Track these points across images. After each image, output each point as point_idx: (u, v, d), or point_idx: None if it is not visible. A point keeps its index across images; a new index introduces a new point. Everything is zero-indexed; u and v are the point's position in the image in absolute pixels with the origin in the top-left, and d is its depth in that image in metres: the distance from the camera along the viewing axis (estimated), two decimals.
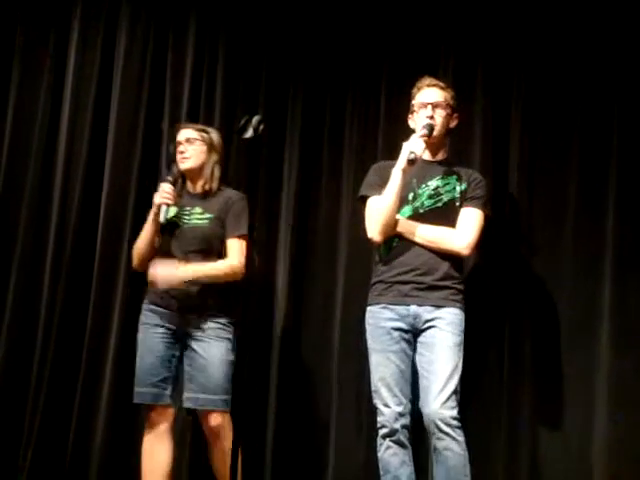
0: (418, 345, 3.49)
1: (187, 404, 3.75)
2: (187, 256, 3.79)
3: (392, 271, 3.54)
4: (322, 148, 4.51)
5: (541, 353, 4.04)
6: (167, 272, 3.69)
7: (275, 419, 4.35)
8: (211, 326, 3.76)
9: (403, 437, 3.47)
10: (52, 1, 4.83)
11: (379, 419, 3.48)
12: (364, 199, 3.63)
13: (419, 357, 3.48)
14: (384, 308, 3.51)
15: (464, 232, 3.52)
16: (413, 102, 3.66)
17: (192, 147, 3.89)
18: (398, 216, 3.52)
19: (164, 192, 3.79)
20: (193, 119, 4.52)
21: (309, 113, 4.54)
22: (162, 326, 3.79)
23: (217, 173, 3.92)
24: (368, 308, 3.58)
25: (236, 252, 3.78)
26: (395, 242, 3.54)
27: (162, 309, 3.80)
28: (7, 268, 4.65)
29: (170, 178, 3.86)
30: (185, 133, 3.93)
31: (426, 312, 3.47)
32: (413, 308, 3.47)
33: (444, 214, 3.53)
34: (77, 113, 4.59)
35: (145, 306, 3.86)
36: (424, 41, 4.45)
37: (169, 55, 4.68)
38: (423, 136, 3.47)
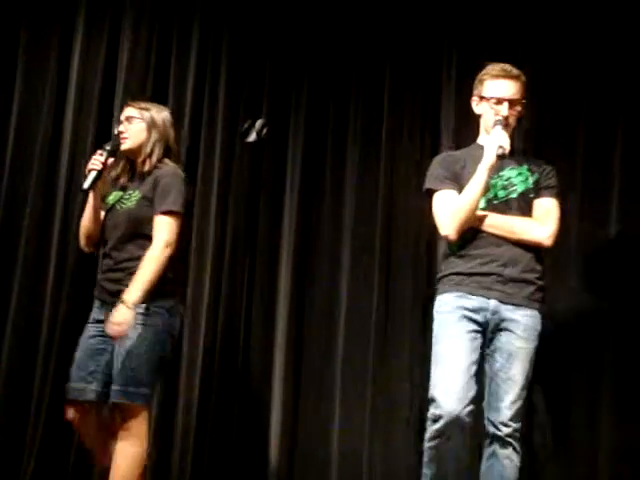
0: (492, 347, 3.33)
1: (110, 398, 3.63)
2: (116, 243, 3.67)
3: (470, 263, 3.36)
4: (325, 151, 4.54)
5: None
6: (118, 322, 3.53)
7: (281, 423, 4.36)
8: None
9: (464, 432, 3.28)
10: (57, 1, 4.85)
11: (436, 411, 3.25)
12: (431, 192, 3.45)
13: (492, 361, 3.32)
14: (461, 297, 3.32)
15: (545, 222, 3.38)
16: (483, 90, 3.45)
17: (131, 126, 3.76)
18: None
19: (94, 159, 3.67)
20: (196, 123, 4.59)
21: (312, 116, 4.56)
22: (98, 320, 3.68)
23: (157, 152, 3.75)
24: (440, 297, 3.39)
25: (158, 232, 3.62)
26: (468, 234, 3.37)
27: (98, 302, 3.71)
28: (11, 269, 4.67)
29: (108, 148, 3.70)
30: (126, 112, 3.81)
31: (507, 311, 3.29)
32: (493, 303, 3.30)
33: (518, 205, 3.39)
34: (80, 116, 4.61)
35: (94, 301, 3.78)
36: (426, 38, 4.48)
37: (172, 58, 4.71)
38: (502, 155, 3.29)
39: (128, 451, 3.52)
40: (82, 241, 3.80)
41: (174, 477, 4.38)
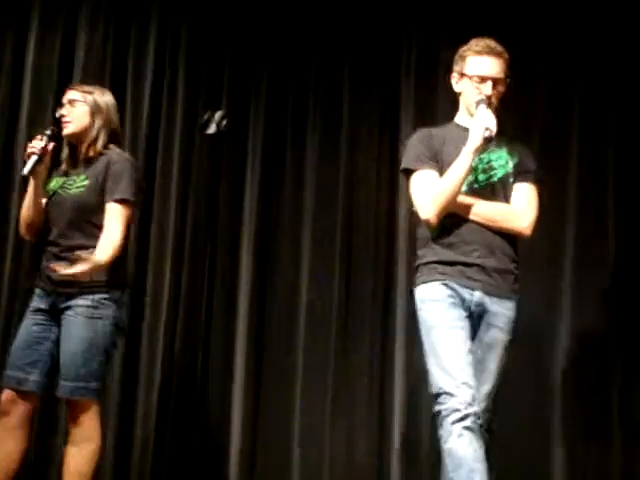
0: (474, 338, 3.23)
1: (57, 392, 3.56)
2: (62, 230, 3.59)
3: (452, 251, 3.23)
4: (285, 142, 4.54)
5: None
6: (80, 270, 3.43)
7: (242, 411, 4.34)
8: (80, 304, 3.53)
9: (477, 425, 3.12)
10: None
11: (448, 404, 3.10)
12: (410, 172, 3.30)
13: (472, 351, 3.22)
14: (446, 285, 3.20)
15: (525, 210, 3.29)
16: (465, 66, 3.30)
17: (74, 110, 3.67)
18: None
19: (33, 143, 3.59)
20: (155, 115, 4.56)
21: (272, 107, 4.57)
22: (39, 309, 3.61)
23: (102, 137, 3.67)
24: (424, 286, 3.25)
25: (113, 219, 3.57)
26: (449, 220, 3.24)
27: (40, 290, 3.64)
28: None
29: (48, 132, 3.61)
30: (69, 95, 3.72)
31: (492, 304, 3.20)
32: (478, 295, 3.20)
33: (499, 190, 3.28)
34: (37, 111, 4.57)
35: (34, 290, 3.71)
36: (385, 30, 4.46)
37: (130, 51, 4.67)
38: (489, 137, 3.15)
39: (82, 446, 3.50)
40: (22, 229, 3.73)
41: (135, 456, 4.38)
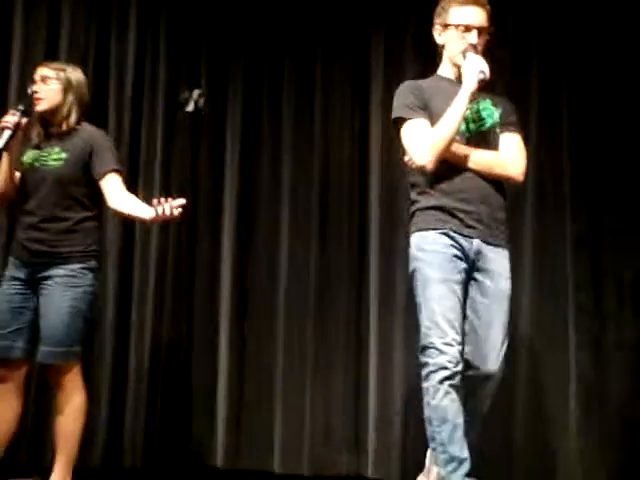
0: (474, 290, 3.16)
1: (38, 357, 3.59)
2: (40, 202, 3.62)
3: (448, 197, 3.15)
4: (262, 118, 4.57)
5: None
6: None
7: (227, 379, 4.39)
8: (59, 273, 3.59)
9: (460, 382, 3.10)
10: None
11: (437, 360, 3.06)
12: (402, 121, 3.21)
13: (472, 301, 3.15)
14: (445, 234, 3.12)
15: (517, 158, 3.25)
16: (449, 17, 3.24)
17: (47, 87, 3.69)
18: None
19: (5, 118, 3.58)
20: (137, 95, 4.58)
21: (249, 85, 4.59)
22: (16, 278, 3.64)
23: (75, 113, 3.71)
24: (420, 233, 3.18)
25: (118, 186, 3.65)
26: (443, 168, 3.15)
27: (17, 260, 3.67)
28: None
29: (21, 107, 3.62)
30: (41, 72, 3.73)
31: (489, 251, 3.14)
32: (476, 243, 3.13)
33: (488, 139, 3.22)
34: (22, 90, 4.38)
35: (9, 259, 3.73)
36: (355, 8, 4.48)
37: (112, 32, 4.67)
38: (483, 80, 3.08)
39: (70, 404, 3.56)
40: None
41: (127, 422, 4.42)
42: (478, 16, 3.18)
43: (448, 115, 3.10)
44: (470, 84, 3.08)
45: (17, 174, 3.67)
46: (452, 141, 3.11)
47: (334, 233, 4.46)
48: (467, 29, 3.17)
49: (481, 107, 3.24)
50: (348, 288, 4.42)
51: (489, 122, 3.24)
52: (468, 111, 3.16)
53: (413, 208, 3.22)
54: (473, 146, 3.17)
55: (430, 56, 3.99)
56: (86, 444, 3.84)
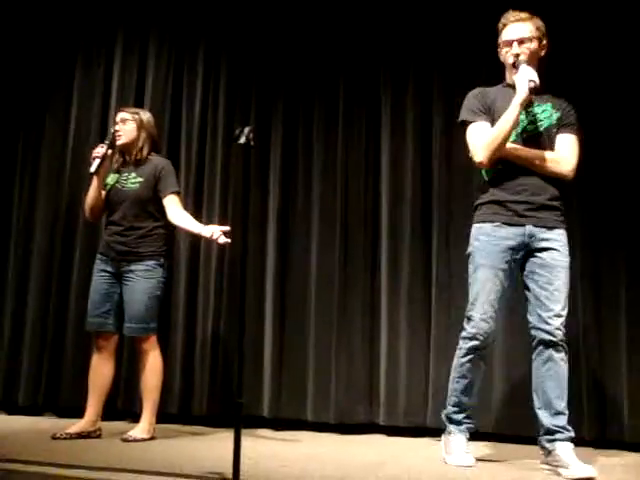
0: (533, 265, 3.14)
1: (124, 332, 3.82)
2: (124, 215, 3.80)
3: (504, 191, 3.16)
4: (297, 152, 4.71)
5: None
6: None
7: (271, 347, 4.48)
8: (139, 268, 3.76)
9: (487, 354, 3.21)
10: (99, 42, 5.07)
11: (471, 330, 3.13)
12: (467, 124, 3.24)
13: (536, 277, 3.12)
14: (499, 227, 3.15)
15: (568, 156, 3.18)
16: (500, 38, 3.26)
17: (125, 126, 3.86)
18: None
19: (96, 150, 3.80)
20: (202, 131, 4.78)
21: (287, 125, 4.72)
22: (105, 270, 3.83)
23: (147, 146, 3.87)
24: (479, 225, 3.20)
25: (177, 205, 3.80)
26: (500, 165, 3.17)
27: (105, 257, 3.85)
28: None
29: (107, 142, 3.82)
30: (120, 115, 3.92)
31: (541, 232, 3.13)
32: (529, 228, 3.12)
33: (543, 139, 3.18)
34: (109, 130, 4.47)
35: (97, 255, 3.92)
36: (365, 59, 4.55)
37: (184, 83, 4.90)
38: (533, 88, 3.07)
39: (151, 365, 3.81)
40: (87, 212, 3.95)
41: (197, 374, 4.58)
42: (516, 30, 3.19)
43: (502, 119, 3.12)
44: (521, 92, 3.09)
45: (102, 192, 3.93)
46: (505, 141, 3.10)
47: (352, 243, 4.54)
48: (508, 44, 3.21)
49: (539, 110, 3.21)
50: (363, 279, 4.50)
51: (546, 123, 3.21)
52: (527, 114, 3.17)
53: (476, 202, 3.27)
54: (530, 145, 3.16)
55: (429, 99, 4.44)
56: (165, 396, 4.13)
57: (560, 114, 3.23)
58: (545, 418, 3.07)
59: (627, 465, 3.42)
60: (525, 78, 3.09)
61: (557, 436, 3.05)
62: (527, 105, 3.16)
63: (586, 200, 4.12)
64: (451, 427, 3.24)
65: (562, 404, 3.06)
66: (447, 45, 4.49)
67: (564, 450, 3.01)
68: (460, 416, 3.22)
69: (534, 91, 3.09)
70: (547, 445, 3.08)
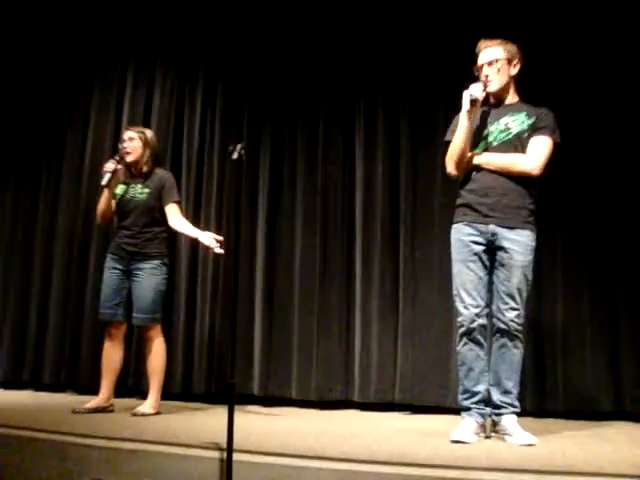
0: (495, 262, 3.15)
1: (133, 322, 3.89)
2: (134, 221, 3.84)
3: (473, 194, 3.17)
4: (283, 166, 4.77)
5: None
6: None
7: (261, 330, 4.54)
8: (146, 266, 3.82)
9: (479, 335, 3.12)
10: (113, 69, 5.19)
11: (459, 319, 3.15)
12: (447, 143, 3.25)
13: (498, 272, 3.13)
14: (467, 225, 3.16)
15: (533, 154, 3.12)
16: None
17: (132, 144, 3.93)
18: (476, 151, 3.18)
19: (107, 165, 3.85)
20: (201, 146, 4.90)
21: (274, 142, 4.78)
22: (116, 268, 3.88)
23: (151, 161, 3.93)
24: (453, 226, 3.22)
25: (177, 213, 3.86)
26: (474, 173, 3.17)
27: (116, 256, 3.90)
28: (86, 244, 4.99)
29: (116, 157, 3.89)
30: (128, 134, 3.99)
31: (504, 232, 3.11)
32: (492, 227, 3.12)
33: (513, 144, 3.15)
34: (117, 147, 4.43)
35: (107, 254, 3.97)
36: (343, 92, 4.61)
37: (185, 104, 5.00)
38: (473, 99, 3.05)
39: (156, 350, 3.87)
40: (99, 219, 4.05)
41: (196, 354, 4.64)
42: (482, 57, 3.21)
43: (456, 132, 3.18)
44: (464, 106, 3.14)
45: (112, 202, 4.00)
46: (463, 150, 3.14)
47: (330, 243, 4.58)
48: (479, 69, 3.21)
49: (511, 120, 3.19)
50: (340, 275, 4.56)
51: (515, 131, 3.19)
52: (497, 125, 3.18)
53: (455, 205, 3.32)
54: (501, 151, 3.15)
55: (396, 124, 4.48)
56: (168, 377, 4.20)
57: (534, 120, 3.20)
58: (495, 394, 3.18)
59: (563, 432, 3.49)
60: (467, 93, 3.14)
61: (502, 410, 3.17)
62: (499, 116, 3.21)
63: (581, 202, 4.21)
64: (463, 412, 3.20)
65: (510, 384, 3.15)
66: (411, 80, 4.64)
67: (509, 421, 3.13)
68: (468, 402, 3.16)
69: (474, 104, 3.12)
70: (495, 418, 3.21)
